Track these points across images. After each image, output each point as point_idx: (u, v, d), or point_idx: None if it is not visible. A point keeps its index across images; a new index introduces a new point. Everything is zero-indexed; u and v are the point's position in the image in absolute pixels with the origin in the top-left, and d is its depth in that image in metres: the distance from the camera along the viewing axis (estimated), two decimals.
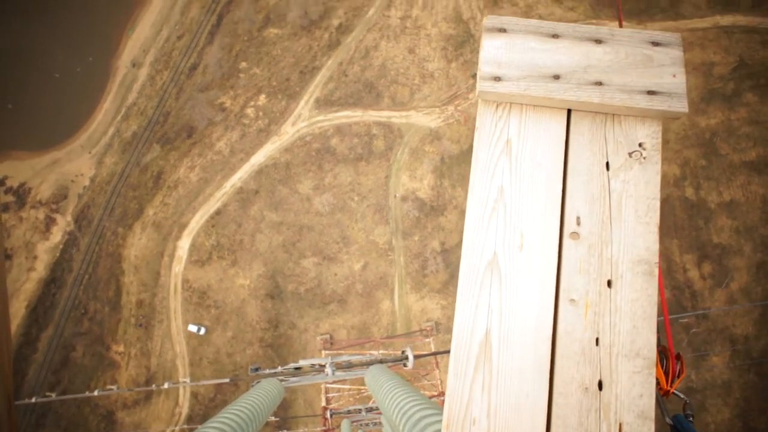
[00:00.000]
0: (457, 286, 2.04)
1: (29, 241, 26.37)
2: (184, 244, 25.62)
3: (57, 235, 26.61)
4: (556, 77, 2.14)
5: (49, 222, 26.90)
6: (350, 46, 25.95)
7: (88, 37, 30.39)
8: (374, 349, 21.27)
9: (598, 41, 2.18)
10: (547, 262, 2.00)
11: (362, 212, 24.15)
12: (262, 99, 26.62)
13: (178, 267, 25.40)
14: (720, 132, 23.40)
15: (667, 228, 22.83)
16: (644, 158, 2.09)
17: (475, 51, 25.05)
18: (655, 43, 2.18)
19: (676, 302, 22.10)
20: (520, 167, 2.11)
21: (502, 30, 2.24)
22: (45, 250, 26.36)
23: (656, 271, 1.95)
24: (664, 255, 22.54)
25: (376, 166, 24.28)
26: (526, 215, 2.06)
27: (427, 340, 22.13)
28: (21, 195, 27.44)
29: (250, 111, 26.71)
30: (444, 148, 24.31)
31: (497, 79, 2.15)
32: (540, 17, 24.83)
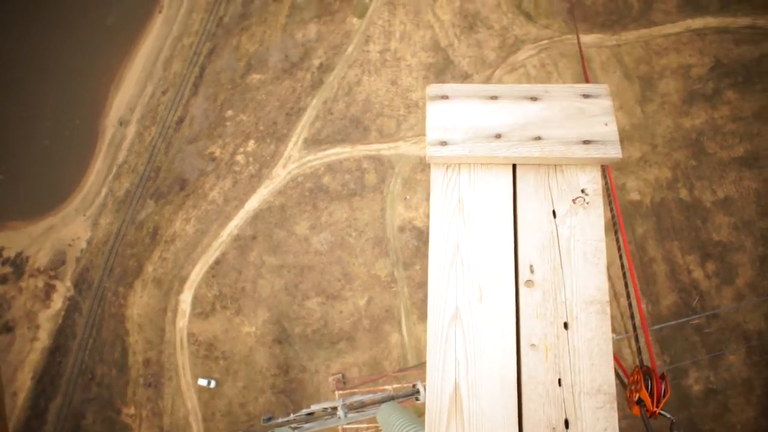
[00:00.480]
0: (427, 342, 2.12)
1: (30, 311, 26.16)
2: (186, 298, 25.45)
3: (58, 302, 26.42)
4: (498, 136, 2.25)
5: (49, 289, 26.73)
6: (333, 84, 26.27)
7: (74, 100, 30.68)
8: (388, 384, 21.00)
9: (534, 99, 2.30)
10: (506, 311, 2.09)
11: (361, 247, 24.12)
12: (251, 145, 26.79)
13: (182, 321, 25.19)
14: (706, 131, 23.63)
15: (666, 231, 22.86)
16: (587, 203, 2.21)
17: (456, 76, 25.40)
18: (586, 96, 2.30)
19: (684, 305, 22.00)
20: (473, 223, 2.21)
21: (445, 97, 2.36)
22: (47, 318, 26.13)
23: (608, 309, 2.05)
24: (667, 258, 22.52)
25: (371, 200, 24.35)
26: (482, 268, 2.15)
27: None
28: (18, 265, 27.32)
29: (240, 158, 26.85)
30: None
31: (444, 143, 2.27)
32: (516, 38, 25.29)
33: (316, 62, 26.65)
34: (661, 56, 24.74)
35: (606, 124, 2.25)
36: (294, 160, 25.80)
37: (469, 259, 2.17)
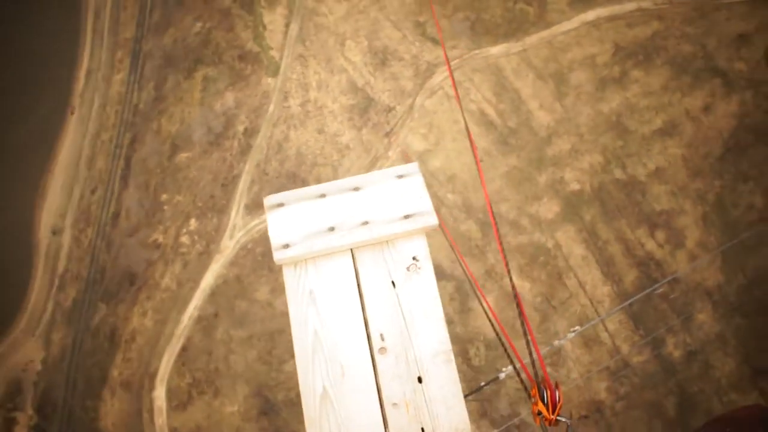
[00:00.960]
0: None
1: None
2: (160, 394, 24.37)
3: None
4: (332, 229, 2.54)
5: (10, 424, 25.07)
6: (262, 146, 26.32)
7: (2, 221, 29.51)
8: None
9: (357, 188, 2.62)
10: (367, 380, 2.35)
11: None
12: (193, 223, 26.35)
13: (161, 419, 24.04)
14: (623, 112, 24.82)
15: (611, 212, 23.63)
16: (419, 268, 2.52)
17: (380, 112, 25.91)
18: (400, 176, 2.65)
19: (646, 277, 22.64)
20: (325, 310, 2.46)
21: (280, 204, 2.65)
22: None
23: (451, 357, 2.35)
24: (619, 237, 23.23)
25: None
26: (340, 347, 2.40)
27: None
28: None
29: (184, 239, 26.32)
30: None
31: (286, 246, 2.53)
32: (428, 64, 26.12)
33: (241, 128, 26.68)
34: (566, 52, 26.01)
35: (420, 197, 2.58)
36: (239, 228, 25.50)
37: (327, 342, 2.41)
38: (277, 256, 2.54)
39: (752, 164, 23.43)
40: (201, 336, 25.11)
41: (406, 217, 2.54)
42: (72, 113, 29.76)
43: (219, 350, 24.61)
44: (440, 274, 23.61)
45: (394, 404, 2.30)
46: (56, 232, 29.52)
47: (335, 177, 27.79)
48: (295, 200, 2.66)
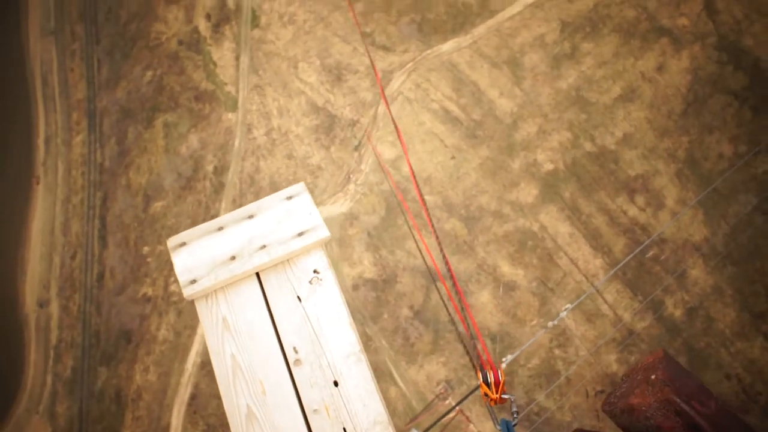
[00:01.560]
0: None
1: None
2: None
3: None
4: (233, 258, 2.66)
5: None
6: (234, 181, 26.17)
7: None
8: None
9: (251, 216, 2.76)
10: (287, 392, 2.47)
11: None
12: None
13: None
14: (581, 85, 25.13)
15: (588, 185, 23.89)
16: (321, 279, 2.63)
17: (345, 127, 25.92)
18: (289, 197, 2.80)
19: (634, 243, 22.91)
20: (239, 333, 2.57)
21: (183, 243, 2.75)
22: None
23: (362, 356, 2.44)
24: (601, 209, 23.49)
25: None
26: (258, 366, 2.51)
27: (447, 401, 21.62)
28: None
29: (174, 288, 26.06)
30: (365, 223, 24.59)
31: (194, 281, 2.65)
32: (383, 72, 26.22)
33: (210, 168, 26.52)
34: (515, 37, 26.28)
35: (310, 214, 2.73)
36: None
37: (245, 364, 2.52)
38: (187, 292, 2.66)
39: (714, 115, 23.87)
40: (208, 381, 24.84)
41: (300, 234, 2.70)
42: (37, 183, 29.33)
43: None
44: (434, 276, 23.68)
45: (315, 410, 2.42)
46: (43, 304, 29.02)
47: (313, 198, 27.63)
48: (196, 237, 2.78)
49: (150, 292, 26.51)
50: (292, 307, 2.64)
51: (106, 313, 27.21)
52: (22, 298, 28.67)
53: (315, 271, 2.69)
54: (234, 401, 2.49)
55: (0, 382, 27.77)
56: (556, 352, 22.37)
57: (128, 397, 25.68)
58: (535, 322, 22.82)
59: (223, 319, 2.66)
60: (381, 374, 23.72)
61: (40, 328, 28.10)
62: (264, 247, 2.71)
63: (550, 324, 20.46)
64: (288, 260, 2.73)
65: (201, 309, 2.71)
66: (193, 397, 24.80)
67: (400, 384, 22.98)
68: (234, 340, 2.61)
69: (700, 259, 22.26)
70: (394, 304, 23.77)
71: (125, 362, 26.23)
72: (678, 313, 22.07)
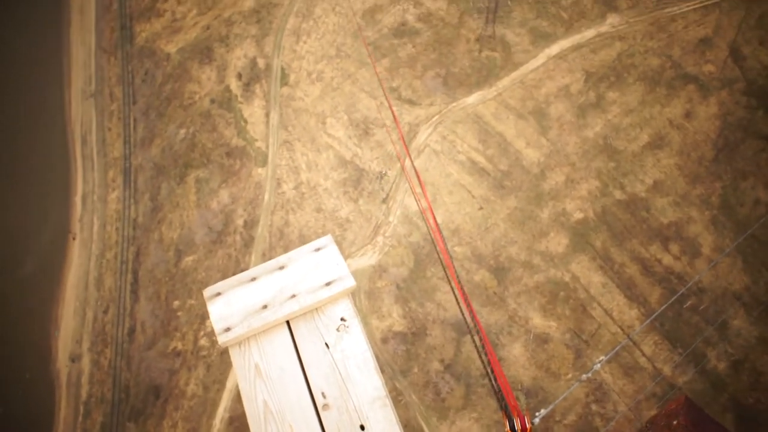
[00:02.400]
0: None
1: None
2: None
3: None
4: (265, 307, 2.81)
5: None
6: (264, 235, 26.47)
7: (17, 355, 29.31)
8: None
9: (282, 267, 2.91)
10: None
11: None
12: (210, 324, 26.14)
13: None
14: (608, 133, 25.10)
15: (620, 233, 23.50)
16: (347, 327, 2.78)
17: (373, 180, 26.19)
18: (317, 249, 2.94)
19: (670, 292, 22.26)
20: (271, 380, 2.71)
21: (218, 294, 2.91)
22: None
23: (387, 401, 2.59)
24: (634, 258, 23.01)
25: None
26: (288, 411, 2.63)
27: None
28: None
29: (203, 341, 26.08)
30: (394, 275, 24.46)
31: (228, 329, 2.79)
32: (410, 125, 26.65)
33: (240, 222, 26.93)
34: (540, 87, 26.57)
35: (337, 264, 2.89)
36: None
37: (276, 408, 2.64)
38: (221, 339, 2.79)
39: (747, 160, 23.50)
40: None
41: (328, 284, 2.84)
42: (74, 239, 30.11)
43: None
44: (464, 328, 23.26)
45: None
46: (75, 359, 29.27)
47: (341, 251, 27.63)
48: (230, 287, 2.92)
49: (180, 346, 26.56)
50: (320, 354, 2.75)
51: (135, 368, 27.28)
52: (55, 353, 29.00)
53: (342, 319, 2.82)
54: None
55: None
56: (594, 407, 21.51)
57: None
58: (570, 375, 22.09)
59: (255, 365, 2.77)
60: (412, 431, 23.05)
61: (71, 384, 28.25)
62: (294, 296, 2.84)
63: (583, 377, 19.74)
64: (317, 309, 2.86)
65: (234, 356, 2.82)
66: None
67: None
68: (266, 386, 2.71)
69: (742, 309, 21.44)
70: (425, 357, 23.33)
71: (154, 418, 26.07)
72: (722, 366, 21.13)
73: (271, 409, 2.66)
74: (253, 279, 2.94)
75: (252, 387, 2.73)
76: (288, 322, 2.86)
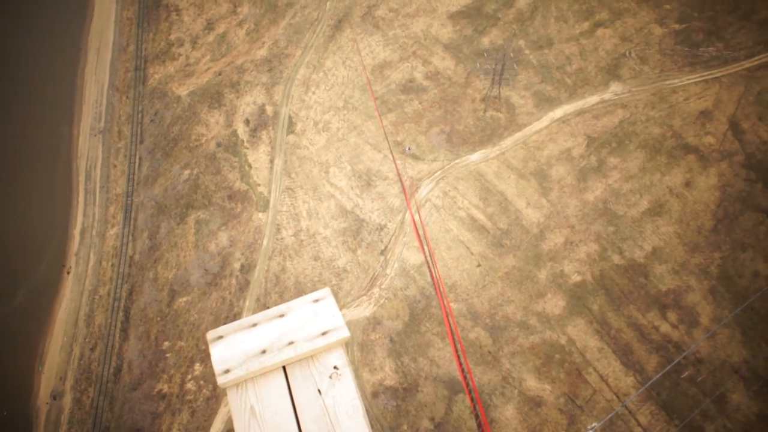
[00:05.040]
0: None
1: None
2: None
3: None
4: (264, 351, 2.96)
5: None
6: (260, 280, 26.27)
7: None
8: None
9: (282, 315, 3.08)
10: None
11: None
12: (198, 368, 25.67)
13: None
14: (608, 198, 25.27)
15: (618, 298, 23.33)
16: (340, 375, 2.92)
17: (372, 231, 26.21)
18: (316, 300, 3.11)
19: (667, 361, 21.91)
20: (264, 421, 2.83)
21: (220, 337, 3.05)
22: None
23: None
24: (631, 324, 22.77)
25: None
26: None
27: None
28: None
29: (190, 385, 25.48)
30: (388, 328, 24.14)
31: (227, 371, 2.92)
32: (412, 179, 26.89)
33: (237, 265, 26.77)
34: (542, 149, 26.95)
35: (333, 315, 3.03)
36: None
37: None
38: (221, 380, 2.89)
39: (746, 232, 23.57)
40: None
41: (324, 333, 2.99)
42: (68, 273, 29.85)
43: None
44: (456, 386, 22.78)
45: None
46: (56, 396, 28.49)
47: (337, 301, 27.35)
48: (232, 331, 3.05)
49: (166, 388, 25.93)
50: (312, 399, 2.88)
51: (118, 409, 26.54)
52: (37, 389, 28.28)
53: (335, 367, 2.96)
54: None
55: None
56: None
57: None
58: None
59: (251, 407, 2.89)
60: None
61: (50, 422, 27.42)
62: (292, 343, 2.99)
63: None
64: (312, 356, 3.02)
65: (231, 396, 2.92)
66: None
67: None
68: (259, 427, 2.82)
69: (741, 383, 21.03)
70: (415, 414, 22.72)
71: None
72: None
73: None
74: (254, 325, 3.08)
75: (246, 427, 2.84)
76: (284, 368, 2.99)
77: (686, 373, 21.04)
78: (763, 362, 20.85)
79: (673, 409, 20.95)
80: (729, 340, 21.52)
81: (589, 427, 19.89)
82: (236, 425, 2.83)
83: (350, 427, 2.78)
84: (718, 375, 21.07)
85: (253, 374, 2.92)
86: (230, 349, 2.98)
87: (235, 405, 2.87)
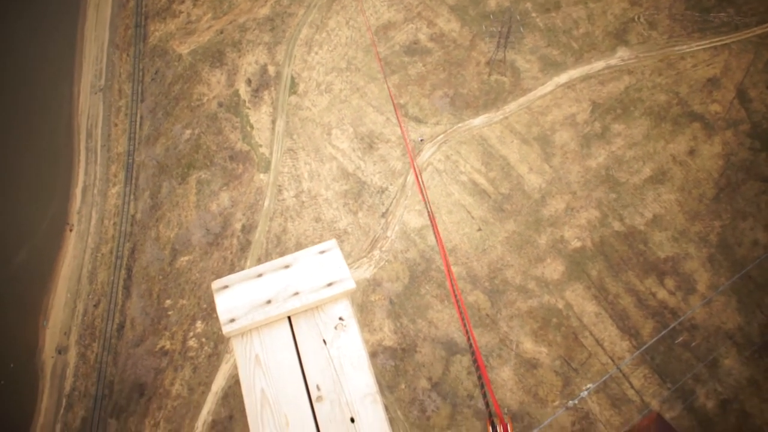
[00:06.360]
0: None
1: None
2: None
3: None
4: (269, 302, 2.98)
5: None
6: (261, 241, 26.43)
7: (4, 347, 29.08)
8: None
9: (287, 266, 3.09)
10: (308, 426, 2.73)
11: None
12: (200, 325, 26.04)
13: None
14: (611, 165, 25.20)
15: (617, 265, 23.49)
16: (345, 326, 2.93)
17: (374, 194, 26.24)
18: (322, 252, 3.13)
19: (663, 327, 22.21)
20: (269, 370, 2.87)
21: (226, 286, 3.07)
22: None
23: (378, 397, 2.75)
24: (629, 290, 22.98)
25: None
26: (284, 401, 2.79)
27: None
28: None
29: (192, 342, 25.92)
30: (387, 290, 24.40)
31: (232, 320, 2.95)
32: (414, 142, 26.78)
33: (238, 226, 26.90)
34: (546, 115, 26.74)
35: (339, 267, 3.04)
36: None
37: (272, 398, 2.80)
38: (226, 329, 2.91)
39: (747, 201, 23.58)
40: None
41: (329, 284, 2.99)
42: (71, 230, 30.04)
43: None
44: (454, 348, 23.15)
45: None
46: (61, 350, 29.03)
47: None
48: (238, 281, 3.06)
49: (168, 345, 26.38)
50: (317, 349, 2.89)
51: (122, 364, 27.06)
52: (42, 343, 28.79)
53: (340, 318, 2.96)
54: (260, 431, 2.73)
55: (9, 427, 27.48)
56: None
57: None
58: (557, 402, 21.92)
59: (255, 356, 2.92)
60: None
61: (55, 375, 28.01)
62: (297, 294, 2.99)
63: (570, 403, 19.72)
64: (317, 307, 3.01)
65: (236, 346, 2.97)
66: None
67: None
68: (264, 376, 2.85)
69: (734, 348, 21.36)
70: (413, 374, 23.17)
71: (136, 415, 25.81)
72: (710, 404, 20.99)
73: (268, 398, 2.81)
74: (260, 275, 3.08)
75: (251, 376, 2.86)
76: (289, 318, 3.01)
77: (681, 339, 21.35)
78: (757, 329, 21.14)
79: (666, 373, 21.33)
80: (725, 307, 21.77)
81: (584, 388, 20.30)
82: (241, 374, 2.88)
83: (355, 376, 2.82)
84: (712, 341, 21.38)
85: (258, 324, 2.94)
86: (235, 299, 3.00)
87: (240, 354, 2.91)
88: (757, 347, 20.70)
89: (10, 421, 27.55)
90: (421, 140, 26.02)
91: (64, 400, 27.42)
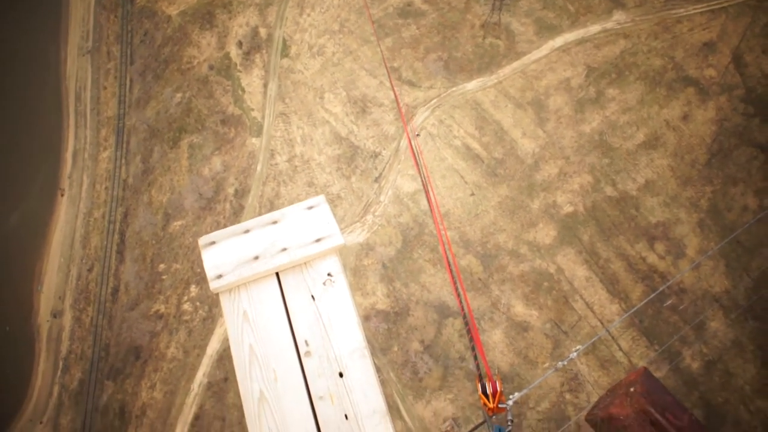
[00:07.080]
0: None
1: None
2: None
3: None
4: (256, 258, 2.96)
5: None
6: (254, 205, 26.43)
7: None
8: None
9: (275, 222, 3.07)
10: (296, 380, 2.74)
11: None
12: (194, 290, 26.20)
13: None
14: (605, 130, 25.17)
15: (608, 229, 23.69)
16: (333, 282, 2.94)
17: (367, 159, 26.16)
18: (310, 207, 3.11)
19: (652, 290, 22.54)
20: (257, 326, 2.87)
21: (213, 242, 3.06)
22: None
23: (366, 352, 2.77)
24: (619, 254, 23.24)
25: None
26: (272, 356, 2.80)
27: None
28: None
29: (186, 306, 26.13)
30: (380, 254, 24.56)
31: (220, 276, 2.94)
32: (408, 107, 26.58)
33: (231, 190, 26.84)
34: (540, 79, 26.54)
35: (327, 222, 3.04)
36: None
37: (261, 353, 2.80)
38: (213, 285, 2.91)
39: (739, 166, 23.69)
40: (213, 402, 24.63)
41: (317, 240, 2.98)
42: (62, 195, 29.89)
43: (232, 414, 24.12)
44: (446, 311, 23.47)
45: (321, 397, 2.70)
46: (56, 314, 29.21)
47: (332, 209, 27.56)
48: (225, 237, 3.05)
49: (162, 309, 26.59)
50: (305, 305, 2.90)
51: (117, 328, 27.30)
52: (37, 307, 28.93)
53: (329, 274, 2.96)
54: (249, 386, 2.76)
55: (7, 389, 27.82)
56: (567, 396, 21.87)
57: (132, 414, 25.52)
58: (547, 364, 22.39)
59: (243, 312, 2.91)
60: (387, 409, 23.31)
61: (51, 339, 28.25)
62: (285, 249, 2.98)
63: (559, 364, 19.97)
64: (305, 263, 3.01)
65: (224, 302, 2.97)
66: (197, 417, 24.56)
67: (406, 419, 22.58)
68: (252, 332, 2.86)
69: (720, 311, 21.79)
70: (405, 337, 23.53)
71: (132, 378, 26.17)
72: (695, 365, 21.52)
73: (257, 353, 2.80)
74: (247, 231, 3.05)
75: (239, 332, 2.85)
76: (277, 274, 2.98)
77: (669, 302, 21.70)
78: (743, 292, 21.52)
79: (653, 335, 21.77)
80: (713, 271, 22.09)
81: (573, 350, 20.63)
82: (229, 331, 2.87)
83: (343, 331, 2.81)
84: (699, 304, 21.77)
85: (245, 280, 2.92)
86: (222, 255, 2.97)
87: (228, 310, 2.90)
88: (742, 310, 21.11)
89: (9, 383, 27.87)
90: (418, 135, 25.80)
91: (60, 363, 27.72)
